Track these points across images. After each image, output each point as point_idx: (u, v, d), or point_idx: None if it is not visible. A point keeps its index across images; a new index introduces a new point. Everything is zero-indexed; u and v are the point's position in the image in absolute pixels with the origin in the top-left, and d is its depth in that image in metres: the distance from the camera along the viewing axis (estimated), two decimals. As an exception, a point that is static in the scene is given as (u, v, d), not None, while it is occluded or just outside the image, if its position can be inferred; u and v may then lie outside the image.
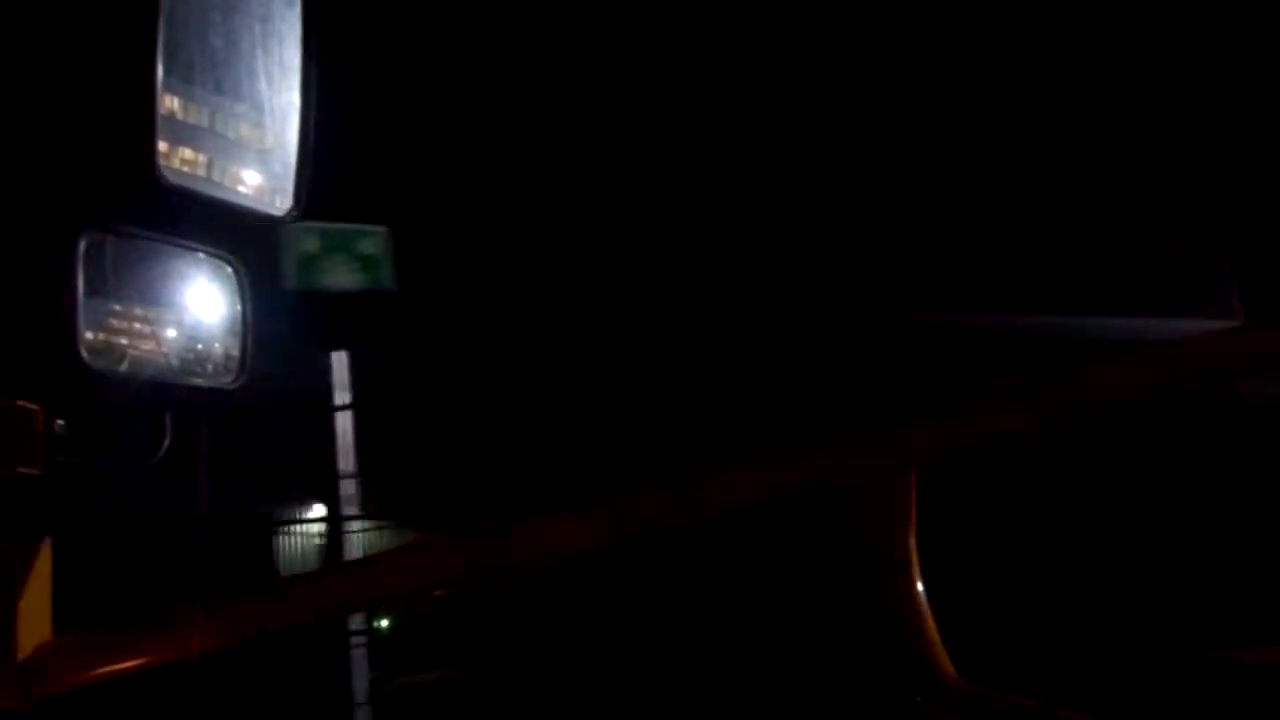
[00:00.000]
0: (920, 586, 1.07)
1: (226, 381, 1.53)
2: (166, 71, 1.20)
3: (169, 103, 1.21)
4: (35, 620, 1.12)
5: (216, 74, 1.30)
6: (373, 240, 3.74)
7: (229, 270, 1.53)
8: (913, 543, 1.08)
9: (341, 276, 3.66)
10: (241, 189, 1.34)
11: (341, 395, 3.81)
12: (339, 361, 3.81)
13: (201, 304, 1.51)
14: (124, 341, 1.39)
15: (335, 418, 3.81)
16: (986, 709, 1.01)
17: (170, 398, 1.43)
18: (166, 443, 1.40)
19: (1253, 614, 2.64)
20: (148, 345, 1.41)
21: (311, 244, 3.60)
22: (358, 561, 1.97)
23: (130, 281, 1.41)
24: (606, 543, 1.13)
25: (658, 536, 1.20)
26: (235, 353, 1.53)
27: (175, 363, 1.45)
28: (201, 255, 1.50)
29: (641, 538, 1.12)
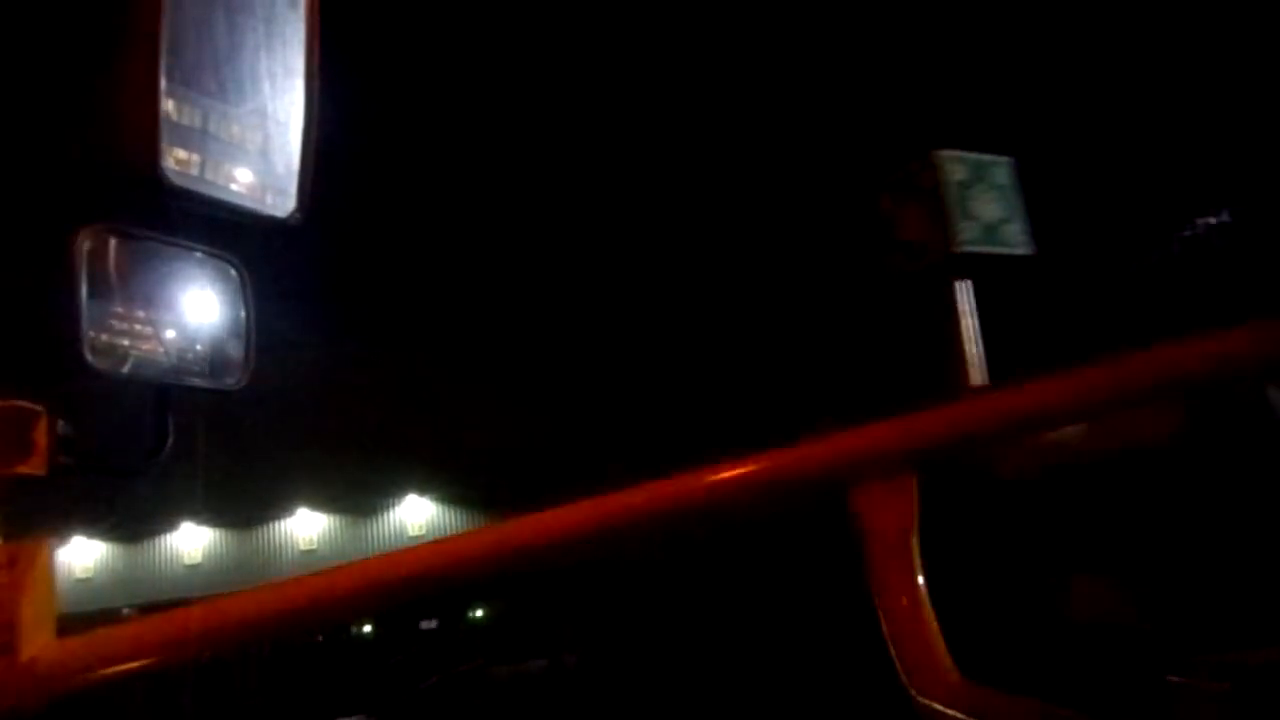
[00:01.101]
0: (922, 585, 1.06)
1: (230, 383, 1.53)
2: (167, 72, 1.20)
3: (165, 104, 1.21)
4: (39, 620, 1.12)
5: (216, 75, 1.31)
6: (1004, 170, 3.91)
7: (231, 271, 1.53)
8: (915, 540, 1.07)
9: (987, 205, 3.82)
10: (235, 187, 1.34)
11: (969, 322, 3.84)
12: (964, 290, 3.84)
13: (205, 305, 1.51)
14: (127, 342, 1.39)
15: (962, 342, 3.86)
16: (988, 709, 1.01)
17: (173, 398, 1.43)
18: (169, 442, 1.41)
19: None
20: (151, 346, 1.41)
21: (961, 172, 3.76)
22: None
23: (134, 282, 1.42)
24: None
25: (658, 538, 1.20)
26: (238, 353, 1.53)
27: (178, 363, 1.45)
28: (204, 255, 1.50)
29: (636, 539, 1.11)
